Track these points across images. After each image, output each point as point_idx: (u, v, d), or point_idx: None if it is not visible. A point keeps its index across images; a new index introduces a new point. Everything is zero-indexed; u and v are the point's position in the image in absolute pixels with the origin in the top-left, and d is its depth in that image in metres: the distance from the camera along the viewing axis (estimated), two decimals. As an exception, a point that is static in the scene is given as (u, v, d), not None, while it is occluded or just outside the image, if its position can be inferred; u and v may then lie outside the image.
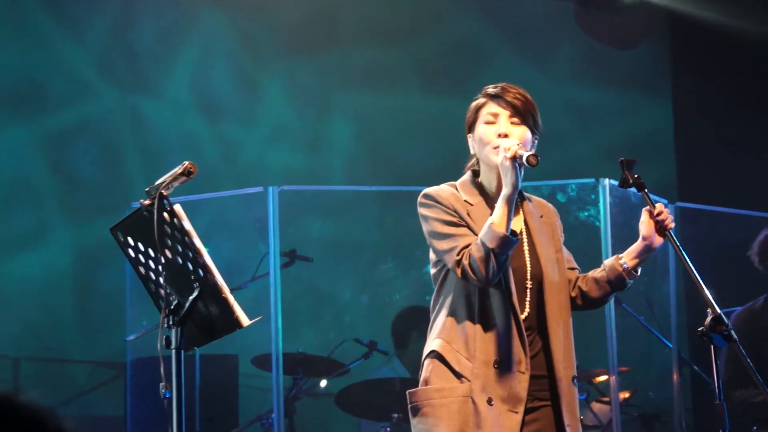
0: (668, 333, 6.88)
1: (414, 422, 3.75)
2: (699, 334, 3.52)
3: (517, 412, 3.62)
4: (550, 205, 3.96)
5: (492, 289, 3.66)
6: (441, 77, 8.61)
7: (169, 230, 3.28)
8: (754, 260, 5.94)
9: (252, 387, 7.32)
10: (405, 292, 8.01)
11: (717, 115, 8.39)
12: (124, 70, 8.27)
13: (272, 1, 8.51)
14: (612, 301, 6.29)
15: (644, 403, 7.22)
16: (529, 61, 8.79)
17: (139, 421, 6.76)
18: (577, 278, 3.86)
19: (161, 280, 3.33)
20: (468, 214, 3.70)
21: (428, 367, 3.73)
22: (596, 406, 6.77)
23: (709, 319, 3.49)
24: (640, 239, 3.74)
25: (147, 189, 3.29)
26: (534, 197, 3.94)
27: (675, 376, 6.90)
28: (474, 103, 3.83)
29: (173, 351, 3.29)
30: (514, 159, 3.58)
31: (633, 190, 3.70)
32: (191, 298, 3.28)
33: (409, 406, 3.76)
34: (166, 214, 3.27)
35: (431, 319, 3.80)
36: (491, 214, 3.61)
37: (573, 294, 3.84)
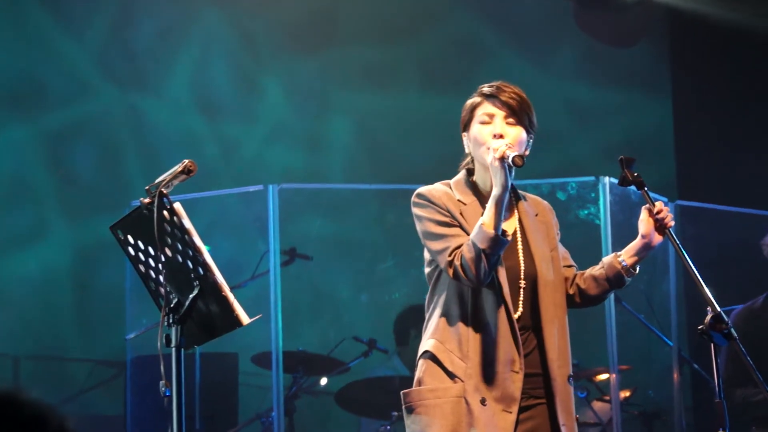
0: (668, 331, 6.88)
1: (408, 422, 3.74)
2: (699, 333, 3.52)
3: (510, 412, 3.62)
4: (545, 203, 3.95)
5: (485, 289, 3.65)
6: (441, 76, 8.60)
7: (169, 228, 3.28)
8: (765, 250, 5.93)
9: (252, 385, 7.32)
10: (405, 291, 8.01)
11: (717, 113, 8.38)
12: (123, 69, 8.27)
13: (272, 0, 8.51)
14: (612, 299, 6.31)
15: (644, 401, 7.22)
16: (528, 59, 8.79)
17: (139, 420, 6.76)
18: (575, 276, 3.86)
19: (161, 278, 3.33)
20: (461, 213, 3.70)
21: (422, 367, 3.73)
22: (597, 404, 6.77)
23: (709, 317, 3.49)
24: (639, 237, 3.74)
25: (147, 187, 3.29)
26: (529, 195, 3.93)
27: (675, 375, 6.90)
28: (469, 102, 3.82)
29: (173, 349, 3.29)
30: (503, 159, 3.58)
31: (633, 188, 3.69)
32: (191, 296, 3.28)
33: (403, 406, 3.76)
34: (166, 213, 3.27)
35: (426, 319, 3.79)
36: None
37: (571, 291, 3.84)
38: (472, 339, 3.65)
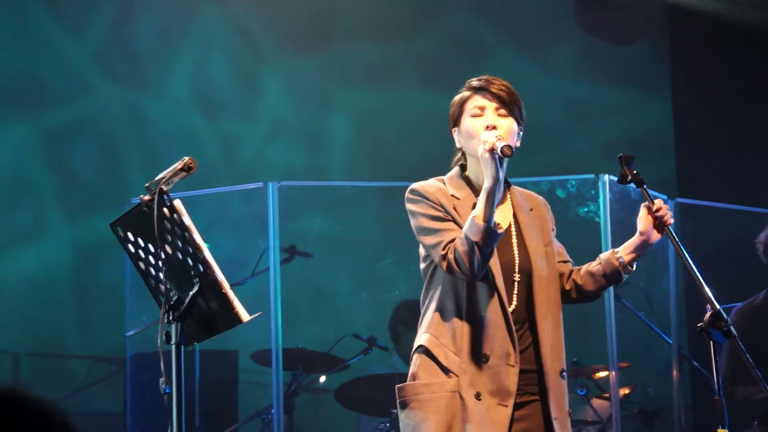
0: (668, 329, 6.89)
1: (402, 417, 3.75)
2: (698, 330, 3.52)
3: (506, 406, 3.62)
4: (540, 198, 3.95)
5: (479, 283, 3.65)
6: (440, 74, 8.60)
7: (169, 226, 3.28)
8: (759, 249, 5.93)
9: (252, 382, 7.33)
10: (404, 288, 8.01)
11: (717, 111, 8.38)
12: (123, 67, 8.27)
13: (272, -2, 8.52)
14: (611, 296, 6.31)
15: (644, 399, 7.22)
16: (528, 57, 8.79)
17: (139, 417, 6.77)
18: (571, 271, 3.86)
19: (161, 275, 3.33)
20: (454, 208, 3.70)
21: (416, 362, 3.74)
22: (596, 402, 6.77)
23: (708, 315, 3.49)
24: (637, 234, 3.74)
25: (147, 185, 3.29)
26: (524, 190, 3.93)
27: (675, 372, 6.91)
28: (458, 97, 3.83)
29: (173, 346, 3.29)
30: (493, 151, 3.58)
31: (633, 185, 3.70)
32: (191, 293, 3.28)
33: (397, 400, 3.77)
34: (166, 210, 3.27)
35: (421, 314, 3.80)
36: None
37: (567, 287, 3.84)
38: (466, 333, 3.65)
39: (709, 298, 3.52)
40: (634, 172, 3.69)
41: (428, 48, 8.77)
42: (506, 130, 3.70)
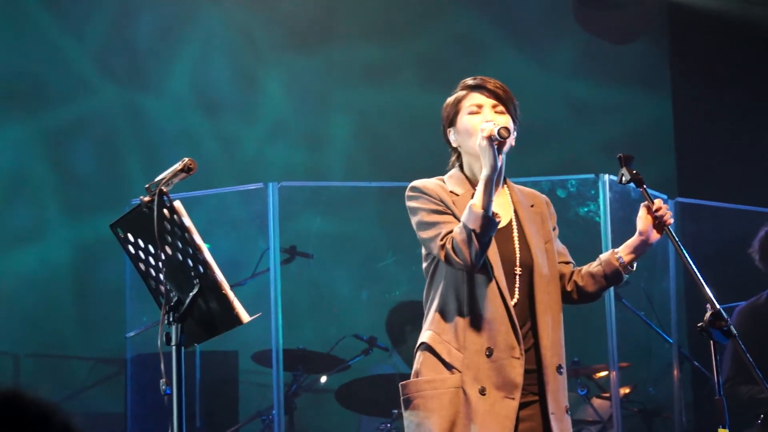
0: (668, 328, 6.89)
1: (406, 414, 3.75)
2: (698, 330, 3.52)
3: (513, 398, 3.62)
4: (542, 195, 3.95)
5: (480, 278, 3.66)
6: (441, 73, 8.58)
7: (169, 227, 3.28)
8: (755, 258, 5.93)
9: (252, 383, 7.32)
10: (405, 288, 8.00)
11: (717, 110, 8.38)
12: (122, 66, 8.27)
13: (271, -3, 8.52)
14: (612, 296, 6.31)
15: (644, 398, 7.21)
16: (528, 56, 8.79)
17: (140, 418, 6.77)
18: (572, 272, 3.86)
19: (161, 276, 3.33)
20: (454, 203, 3.71)
21: (419, 359, 3.74)
22: (597, 401, 6.77)
23: (708, 314, 3.49)
24: (636, 234, 3.74)
25: (147, 185, 3.29)
26: (524, 188, 3.93)
27: (675, 372, 6.91)
28: (452, 97, 3.86)
29: (173, 347, 3.29)
30: (491, 138, 3.59)
31: (633, 185, 3.69)
32: (191, 294, 3.28)
33: (401, 398, 3.77)
34: (166, 211, 3.27)
35: (425, 313, 3.80)
36: None
37: (569, 288, 3.84)
38: (469, 329, 3.66)
39: (709, 297, 3.52)
40: (634, 171, 3.69)
41: (428, 48, 8.77)
42: (504, 124, 3.71)
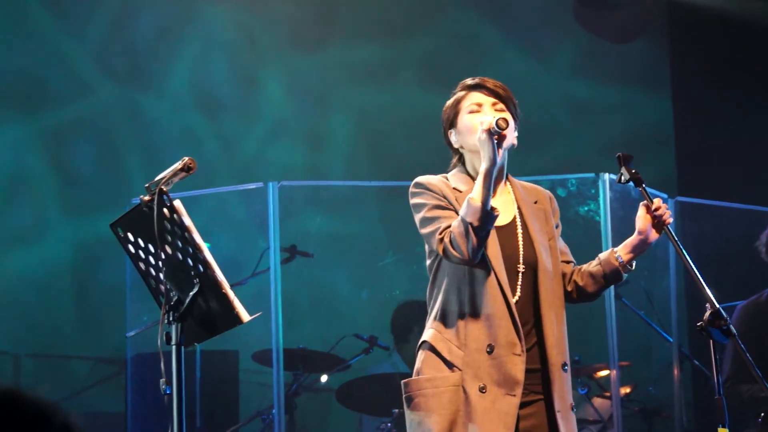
0: (669, 327, 6.88)
1: (408, 412, 3.76)
2: (698, 329, 3.52)
3: (514, 395, 3.62)
4: (546, 191, 3.95)
5: (481, 275, 3.66)
6: (441, 72, 8.59)
7: (169, 226, 3.28)
8: (761, 251, 5.92)
9: (252, 383, 7.32)
10: (405, 287, 8.01)
11: (717, 109, 8.38)
12: (123, 66, 8.27)
13: (271, -3, 8.52)
14: (612, 295, 6.31)
15: (645, 397, 7.22)
16: (528, 56, 8.79)
17: (140, 418, 6.76)
18: (573, 272, 3.86)
19: (161, 275, 3.33)
20: (456, 200, 3.71)
21: (421, 357, 3.75)
22: (597, 401, 6.77)
23: (707, 313, 3.49)
24: (635, 233, 3.74)
25: (147, 185, 3.29)
26: (527, 183, 3.93)
27: (675, 371, 6.91)
28: (451, 99, 3.87)
29: (173, 347, 3.29)
30: (490, 132, 3.59)
31: (632, 184, 3.69)
32: (191, 294, 3.28)
33: (403, 396, 3.78)
34: (166, 210, 3.27)
35: (428, 311, 3.81)
36: None
37: (569, 288, 3.84)
38: (470, 327, 3.66)
39: (709, 297, 3.52)
40: (633, 171, 3.69)
41: (428, 47, 8.77)
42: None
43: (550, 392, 3.68)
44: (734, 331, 3.50)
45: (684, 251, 3.60)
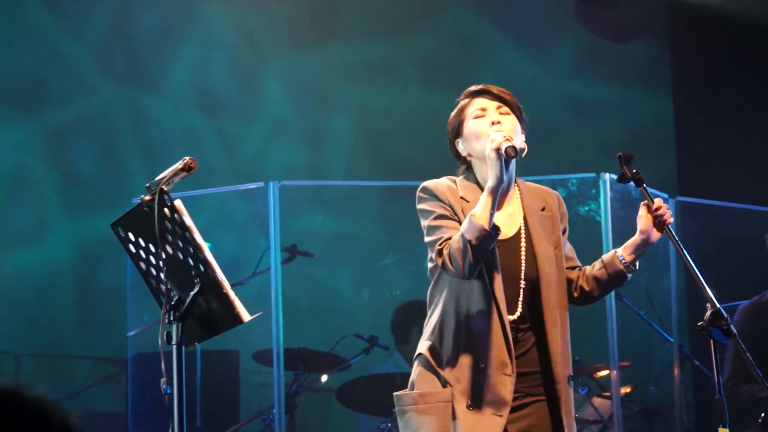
0: (669, 327, 6.88)
1: (400, 425, 3.78)
2: (699, 329, 3.52)
3: (500, 416, 3.61)
4: (554, 193, 3.92)
5: (480, 290, 3.64)
6: (441, 72, 8.60)
7: (169, 226, 3.28)
8: None
9: (253, 382, 7.33)
10: (406, 287, 8.01)
11: (717, 109, 8.38)
12: (123, 65, 8.28)
13: (272, -4, 8.53)
14: (613, 295, 6.31)
15: (645, 397, 7.22)
16: (529, 55, 8.79)
17: (140, 417, 6.77)
18: (578, 277, 3.84)
19: (162, 275, 3.33)
20: (462, 210, 3.69)
21: (415, 370, 3.76)
22: (597, 401, 6.77)
23: (708, 313, 3.49)
24: (637, 233, 3.74)
25: (147, 185, 3.29)
26: (535, 186, 3.91)
27: (676, 371, 6.91)
28: (455, 109, 3.84)
29: (174, 346, 3.30)
30: (499, 151, 3.58)
31: (633, 184, 3.69)
32: (192, 293, 3.28)
33: (395, 408, 3.79)
34: (166, 210, 3.27)
35: (427, 315, 3.80)
36: None
37: (576, 294, 3.82)
38: (464, 343, 3.65)
39: (710, 297, 3.51)
40: (634, 171, 3.68)
41: (429, 47, 8.78)
42: (511, 127, 3.71)
43: (557, 406, 3.67)
44: (735, 331, 3.50)
45: (685, 251, 3.60)
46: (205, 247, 3.27)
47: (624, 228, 5.81)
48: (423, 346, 3.74)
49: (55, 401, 1.85)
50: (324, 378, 7.08)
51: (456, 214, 3.68)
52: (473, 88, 3.83)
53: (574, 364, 6.46)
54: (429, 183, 3.77)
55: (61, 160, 8.11)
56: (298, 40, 8.59)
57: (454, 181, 3.79)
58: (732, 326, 3.50)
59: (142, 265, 3.43)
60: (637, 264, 3.78)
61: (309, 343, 7.00)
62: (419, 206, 3.76)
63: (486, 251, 3.56)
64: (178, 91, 8.38)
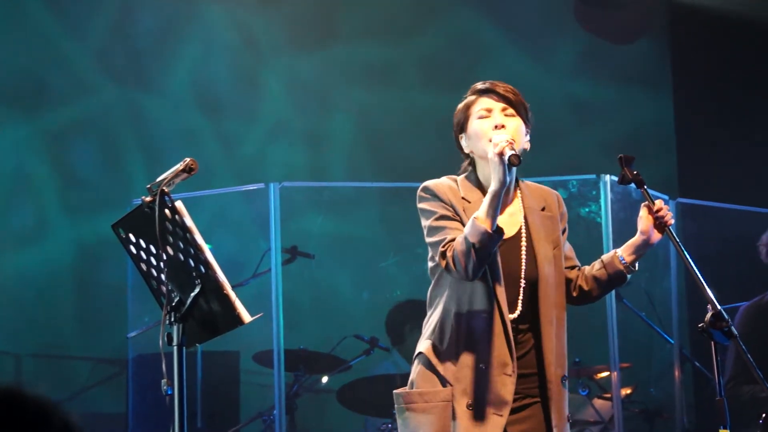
0: (669, 329, 6.89)
1: (399, 423, 3.78)
2: (699, 330, 3.52)
3: (501, 415, 3.62)
4: (554, 193, 3.92)
5: (481, 290, 3.64)
6: (442, 73, 8.60)
7: (170, 227, 3.28)
8: (762, 252, 5.93)
9: (253, 383, 7.32)
10: (406, 288, 8.00)
11: (718, 110, 8.38)
12: (124, 66, 8.28)
13: (273, -3, 8.53)
14: (613, 297, 6.31)
15: (646, 399, 7.22)
16: (529, 56, 8.79)
17: (141, 418, 6.77)
18: (577, 276, 3.84)
19: (163, 276, 3.33)
20: (464, 210, 3.69)
21: (415, 369, 3.76)
22: (598, 402, 6.77)
23: (709, 315, 3.49)
24: (638, 234, 3.74)
25: (148, 186, 3.30)
26: (536, 186, 3.91)
27: (676, 372, 6.91)
28: (462, 104, 3.82)
29: (175, 348, 3.30)
30: (502, 155, 3.57)
31: (634, 185, 3.69)
32: (193, 294, 3.28)
33: (395, 406, 3.78)
34: (167, 211, 3.27)
35: (427, 315, 3.80)
36: None
37: (574, 294, 3.83)
38: (464, 342, 3.65)
39: (710, 298, 3.51)
40: (635, 172, 3.68)
41: (429, 47, 8.78)
42: (514, 130, 3.70)
43: (548, 406, 3.68)
44: (735, 333, 3.50)
45: (685, 252, 3.60)
46: (205, 248, 3.27)
47: (624, 229, 5.81)
48: (423, 345, 3.73)
49: (55, 401, 1.85)
50: (324, 379, 7.08)
51: (458, 215, 3.68)
52: (480, 85, 3.81)
53: (575, 366, 6.49)
54: (430, 183, 3.77)
55: (61, 161, 8.11)
56: (298, 40, 8.59)
57: (456, 181, 3.79)
58: (733, 327, 3.50)
59: (143, 266, 3.43)
60: (637, 265, 3.78)
61: (309, 344, 7.00)
62: (420, 206, 3.76)
63: (489, 254, 3.56)
64: (178, 91, 8.38)
